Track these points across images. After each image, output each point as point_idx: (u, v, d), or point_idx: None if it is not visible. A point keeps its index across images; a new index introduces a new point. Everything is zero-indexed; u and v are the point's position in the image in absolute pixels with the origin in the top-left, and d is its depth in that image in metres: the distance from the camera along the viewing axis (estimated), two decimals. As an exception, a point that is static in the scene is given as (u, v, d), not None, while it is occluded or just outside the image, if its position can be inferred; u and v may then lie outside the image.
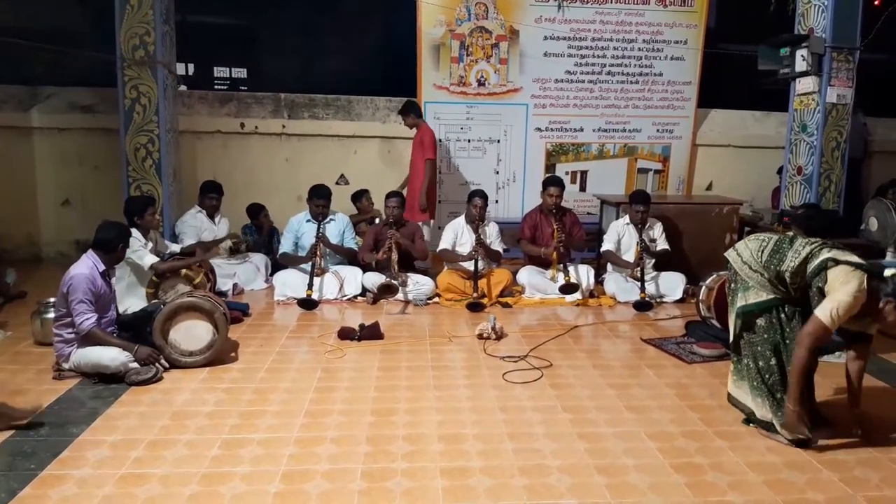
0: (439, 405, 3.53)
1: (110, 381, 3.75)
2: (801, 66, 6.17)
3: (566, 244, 5.92)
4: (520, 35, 7.23)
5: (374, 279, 5.67)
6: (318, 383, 3.82)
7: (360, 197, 7.08)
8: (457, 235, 5.99)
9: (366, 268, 5.88)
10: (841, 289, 2.86)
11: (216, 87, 9.02)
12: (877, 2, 6.86)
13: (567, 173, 7.55)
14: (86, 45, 7.43)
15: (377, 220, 6.62)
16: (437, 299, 5.75)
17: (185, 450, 3.00)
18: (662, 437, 3.19)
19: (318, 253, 5.66)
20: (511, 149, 7.50)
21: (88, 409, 3.43)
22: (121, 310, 4.32)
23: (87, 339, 3.79)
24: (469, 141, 7.43)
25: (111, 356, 3.74)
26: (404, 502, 2.61)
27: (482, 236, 5.83)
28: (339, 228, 6.06)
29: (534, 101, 7.40)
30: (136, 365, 3.79)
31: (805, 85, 6.29)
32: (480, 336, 4.66)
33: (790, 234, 3.32)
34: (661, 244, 5.94)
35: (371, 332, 4.65)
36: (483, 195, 5.95)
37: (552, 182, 6.08)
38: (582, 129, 7.56)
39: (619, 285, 5.84)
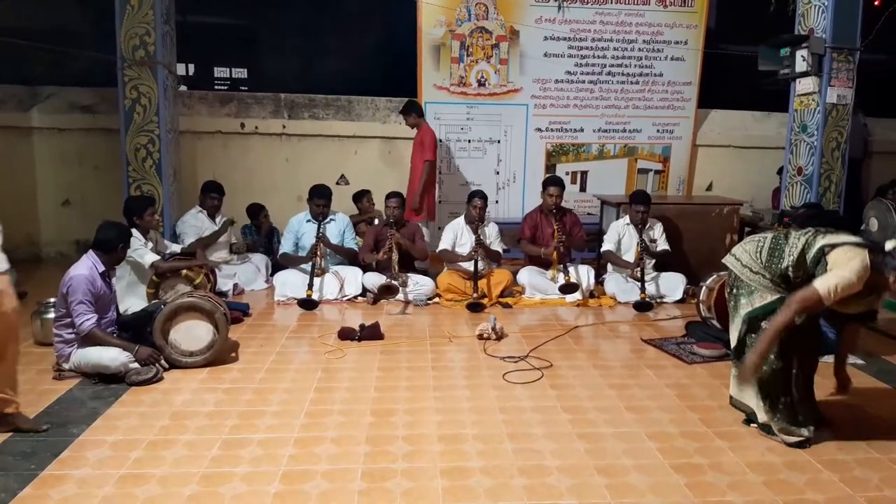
0: (439, 405, 3.53)
1: (110, 381, 3.75)
2: (801, 66, 6.17)
3: (566, 244, 5.93)
4: (520, 35, 7.24)
5: (375, 279, 5.67)
6: (318, 383, 3.82)
7: (361, 197, 7.08)
8: (457, 236, 5.99)
9: (366, 268, 5.88)
10: (846, 265, 2.81)
11: (216, 87, 9.02)
12: (877, 2, 6.86)
13: (567, 174, 7.55)
14: (86, 45, 7.43)
15: (376, 221, 6.63)
16: (437, 300, 5.75)
17: (185, 450, 3.00)
18: (662, 437, 3.19)
19: (319, 253, 5.66)
20: (511, 149, 7.51)
21: (89, 409, 3.43)
22: (121, 309, 4.32)
23: (87, 340, 3.79)
24: (469, 141, 7.43)
25: (111, 356, 3.74)
26: (404, 502, 2.61)
27: (482, 237, 5.83)
28: (339, 228, 6.06)
29: (534, 102, 7.41)
30: (136, 365, 3.79)
31: (805, 85, 6.29)
32: (480, 336, 4.66)
33: (784, 230, 3.28)
34: (662, 244, 5.94)
35: (371, 333, 4.65)
36: (483, 195, 5.95)
37: (552, 182, 6.08)
38: (582, 130, 7.56)
39: (619, 286, 5.84)
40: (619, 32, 7.32)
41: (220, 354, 4.11)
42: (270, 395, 3.64)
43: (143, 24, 5.94)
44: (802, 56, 6.13)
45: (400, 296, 5.59)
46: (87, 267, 3.85)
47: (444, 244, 5.96)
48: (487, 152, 7.48)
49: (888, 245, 2.89)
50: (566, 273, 5.66)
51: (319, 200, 5.89)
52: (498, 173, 7.54)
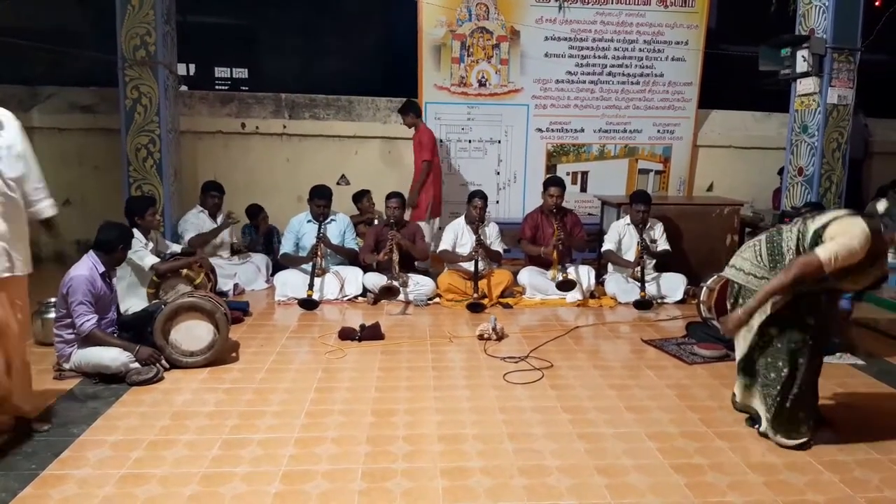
0: (439, 405, 3.53)
1: (111, 381, 3.75)
2: (801, 66, 6.16)
3: (567, 245, 5.93)
4: (521, 36, 7.24)
5: (375, 280, 5.67)
6: (318, 384, 3.82)
7: (361, 197, 7.08)
8: (457, 236, 5.99)
9: (367, 268, 5.88)
10: (846, 233, 2.81)
11: (217, 87, 9.03)
12: (877, 2, 6.86)
13: (568, 174, 7.56)
14: (86, 45, 7.44)
15: (376, 221, 6.64)
16: (437, 300, 5.75)
17: (186, 450, 3.00)
18: (662, 437, 3.19)
19: (319, 253, 5.66)
20: (512, 149, 7.51)
21: (89, 409, 3.43)
22: (122, 310, 4.32)
23: (87, 341, 3.79)
24: (470, 141, 7.44)
25: (112, 356, 3.74)
26: (404, 502, 2.61)
27: (482, 237, 5.83)
28: (339, 229, 6.06)
29: (534, 102, 7.41)
30: (136, 365, 3.79)
31: (806, 86, 6.29)
32: (481, 337, 4.66)
33: (776, 228, 3.25)
34: (662, 244, 5.94)
35: (372, 333, 4.65)
36: (483, 196, 5.95)
37: (553, 182, 6.08)
38: (583, 130, 7.56)
39: (619, 286, 5.84)
40: (619, 33, 7.32)
41: (221, 354, 4.11)
42: (271, 395, 3.64)
43: (144, 24, 5.94)
44: (803, 56, 6.13)
45: (400, 296, 5.59)
46: (87, 267, 3.85)
47: (445, 244, 5.97)
48: (488, 152, 7.48)
49: (879, 207, 2.91)
50: (564, 272, 5.67)
51: (320, 201, 5.89)
52: (498, 173, 7.55)
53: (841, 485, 2.79)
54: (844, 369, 4.18)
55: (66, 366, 3.84)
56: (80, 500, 2.59)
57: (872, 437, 3.20)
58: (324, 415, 3.39)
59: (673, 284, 5.85)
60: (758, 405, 3.24)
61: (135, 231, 4.80)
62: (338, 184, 7.39)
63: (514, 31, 7.22)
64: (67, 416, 3.33)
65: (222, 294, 5.50)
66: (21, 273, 2.95)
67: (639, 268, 5.68)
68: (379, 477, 2.78)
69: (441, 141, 7.23)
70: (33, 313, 4.43)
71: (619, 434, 3.22)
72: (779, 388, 3.07)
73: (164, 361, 3.93)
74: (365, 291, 5.80)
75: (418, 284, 5.73)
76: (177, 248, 5.57)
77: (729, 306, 3.31)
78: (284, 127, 7.47)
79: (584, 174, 7.69)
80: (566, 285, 5.58)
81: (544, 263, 5.97)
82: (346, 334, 4.63)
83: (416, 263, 6.03)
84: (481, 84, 7.30)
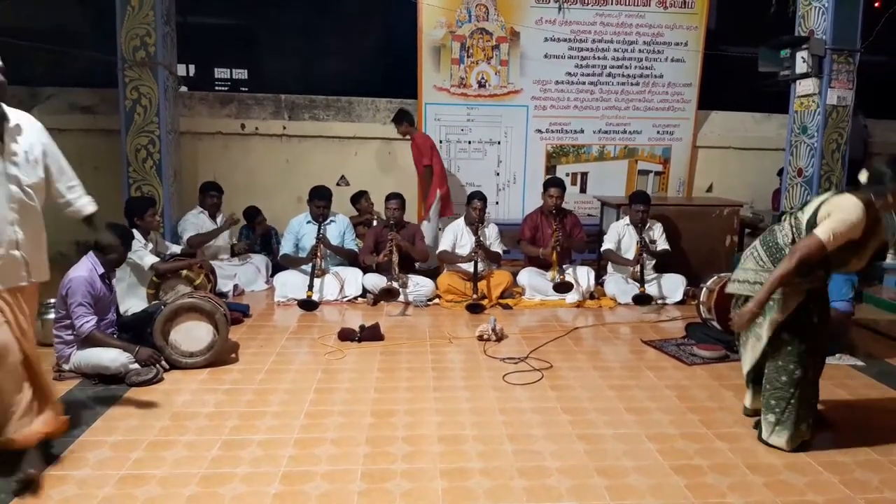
0: (439, 406, 3.53)
1: (110, 382, 3.75)
2: (801, 67, 6.17)
3: (567, 246, 5.93)
4: (520, 37, 7.24)
5: (375, 281, 5.67)
6: (318, 384, 3.82)
7: (359, 198, 7.09)
8: (456, 237, 5.99)
9: (366, 269, 5.88)
10: (840, 209, 2.81)
11: (217, 88, 9.01)
12: (877, 4, 6.87)
13: (567, 175, 7.56)
14: (86, 45, 7.43)
15: (375, 222, 6.65)
16: (437, 301, 5.75)
17: (185, 451, 3.00)
18: (662, 438, 3.19)
19: (319, 254, 5.66)
20: (511, 150, 7.51)
21: (89, 409, 3.43)
22: (121, 310, 4.32)
23: (87, 342, 3.78)
24: (469, 142, 7.44)
25: (111, 357, 3.74)
26: (404, 503, 2.61)
27: (482, 238, 5.83)
28: (339, 230, 6.06)
29: (534, 103, 7.41)
30: (136, 366, 3.79)
31: (805, 87, 6.29)
32: (480, 337, 4.66)
33: (763, 232, 3.24)
34: (662, 244, 5.94)
35: (371, 334, 4.65)
36: (482, 197, 5.96)
37: (553, 183, 6.08)
38: (582, 131, 7.57)
39: (619, 287, 5.84)
40: (619, 34, 7.33)
41: (221, 355, 4.11)
42: (270, 396, 3.64)
43: (144, 25, 5.94)
44: (802, 57, 6.13)
45: (400, 297, 5.60)
46: (86, 268, 3.85)
47: (444, 245, 5.97)
48: (488, 153, 7.49)
49: (861, 178, 2.92)
50: (562, 274, 5.67)
51: (320, 202, 5.89)
52: (498, 174, 7.55)
53: (841, 485, 2.79)
54: (844, 370, 4.18)
55: (66, 367, 3.84)
56: (79, 501, 2.59)
57: (872, 437, 3.20)
58: (323, 416, 3.39)
59: (672, 285, 5.85)
60: (763, 409, 3.20)
61: (134, 232, 4.79)
62: (337, 185, 7.40)
63: (514, 32, 7.22)
64: (67, 417, 3.32)
65: (222, 295, 5.50)
66: (38, 281, 2.92)
67: (638, 266, 5.68)
68: (378, 478, 2.78)
69: (441, 142, 7.24)
70: (33, 314, 4.44)
71: (619, 435, 3.22)
72: (791, 390, 3.04)
73: (163, 362, 3.93)
74: (364, 292, 5.80)
75: (418, 285, 5.73)
76: (176, 248, 5.58)
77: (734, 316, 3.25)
78: (284, 128, 7.48)
79: (584, 175, 7.69)
80: (563, 287, 5.58)
81: (544, 264, 5.96)
82: (345, 335, 4.63)
83: (420, 264, 6.04)
84: (481, 85, 7.30)
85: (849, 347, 4.42)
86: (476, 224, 5.86)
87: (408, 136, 6.72)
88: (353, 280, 5.80)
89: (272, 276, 6.12)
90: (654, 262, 5.92)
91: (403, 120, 6.66)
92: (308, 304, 5.42)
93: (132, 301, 4.87)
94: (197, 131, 7.28)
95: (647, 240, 5.81)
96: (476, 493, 2.68)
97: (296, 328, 4.99)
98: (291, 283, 5.66)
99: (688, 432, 3.26)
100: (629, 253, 5.88)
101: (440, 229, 6.55)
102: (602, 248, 6.11)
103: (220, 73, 9.21)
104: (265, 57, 9.58)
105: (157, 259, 4.91)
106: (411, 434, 3.19)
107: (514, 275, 5.96)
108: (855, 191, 2.90)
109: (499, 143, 7.48)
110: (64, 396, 3.60)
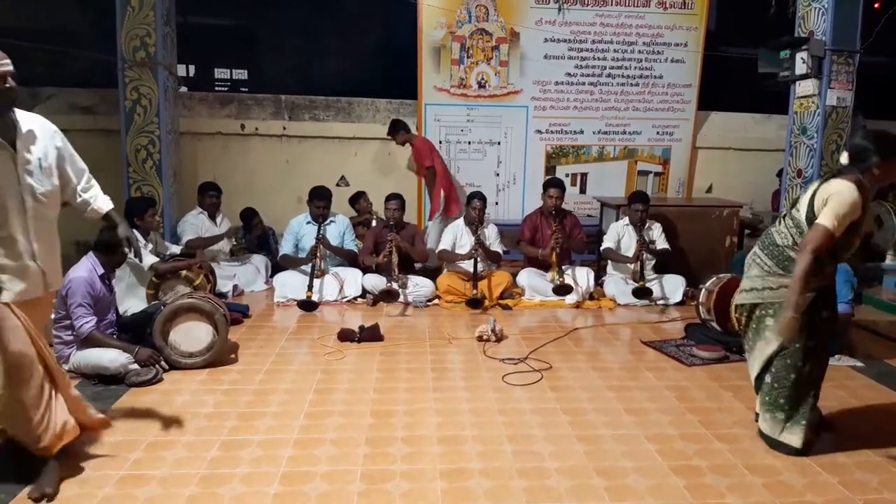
0: (439, 407, 3.53)
1: (110, 382, 3.75)
2: (801, 68, 6.17)
3: (566, 247, 5.93)
4: (520, 37, 7.25)
5: (375, 281, 5.67)
6: (317, 385, 3.82)
7: (358, 199, 7.09)
8: (456, 237, 5.99)
9: (366, 270, 5.88)
10: (835, 192, 2.82)
11: (217, 88, 9.03)
12: (877, 4, 6.87)
13: (567, 175, 7.56)
14: (86, 45, 7.43)
15: (374, 222, 6.66)
16: (436, 301, 5.75)
17: (185, 451, 3.00)
18: (661, 439, 3.19)
19: (319, 255, 5.66)
20: (511, 151, 7.51)
21: (88, 410, 3.43)
22: (121, 311, 4.32)
23: (86, 343, 3.79)
24: (469, 143, 7.44)
25: (111, 357, 3.74)
26: (403, 504, 2.62)
27: (481, 238, 5.84)
28: (339, 230, 6.06)
29: (534, 104, 7.42)
30: (135, 366, 3.79)
31: (805, 88, 6.29)
32: (480, 338, 4.66)
33: (758, 239, 3.24)
34: (661, 244, 5.94)
35: (371, 334, 4.65)
36: (482, 197, 5.96)
37: (552, 184, 6.08)
38: (582, 132, 7.57)
39: (618, 287, 5.84)
40: (619, 34, 7.33)
41: (220, 356, 4.11)
42: (270, 397, 3.64)
43: (144, 25, 5.94)
44: (802, 58, 6.13)
45: (400, 297, 5.60)
46: (86, 269, 3.85)
47: (444, 245, 5.97)
48: (487, 154, 7.49)
49: (842, 160, 2.96)
50: (561, 275, 5.67)
51: (319, 202, 5.89)
52: (498, 175, 7.55)
53: (840, 486, 2.79)
54: (844, 371, 4.18)
55: (66, 367, 3.83)
56: (79, 501, 2.59)
57: (872, 438, 3.20)
58: (323, 416, 3.39)
59: (672, 286, 5.85)
60: (770, 408, 3.16)
61: (134, 232, 4.78)
62: (337, 185, 7.40)
63: (514, 32, 7.23)
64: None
65: (221, 295, 5.50)
66: (53, 289, 2.92)
67: (638, 263, 5.68)
68: (378, 478, 2.78)
69: (440, 142, 7.26)
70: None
71: (619, 436, 3.22)
72: (801, 388, 3.05)
73: (163, 363, 3.93)
74: (364, 293, 5.80)
75: (417, 286, 5.73)
76: (176, 249, 5.58)
77: (742, 330, 3.25)
78: (284, 128, 7.48)
79: (584, 176, 7.70)
80: (563, 290, 5.58)
81: (543, 265, 5.96)
82: (345, 335, 4.63)
83: (422, 264, 6.05)
84: (481, 86, 7.30)
85: (848, 348, 4.43)
86: (476, 224, 5.87)
87: (407, 144, 6.80)
88: (353, 281, 5.80)
89: (272, 276, 6.12)
90: (653, 262, 5.92)
91: (399, 130, 6.76)
92: (308, 305, 5.42)
93: (131, 301, 4.87)
94: (197, 132, 7.28)
95: (646, 238, 5.81)
96: (476, 494, 2.68)
97: (295, 329, 4.99)
98: (291, 284, 5.66)
99: (687, 433, 3.27)
100: (629, 252, 5.88)
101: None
102: (602, 248, 6.11)
103: (220, 73, 9.23)
104: (265, 57, 9.59)
105: (156, 259, 4.91)
106: (411, 435, 3.19)
107: (514, 275, 5.96)
108: (840, 174, 2.93)
109: (498, 143, 7.48)
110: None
